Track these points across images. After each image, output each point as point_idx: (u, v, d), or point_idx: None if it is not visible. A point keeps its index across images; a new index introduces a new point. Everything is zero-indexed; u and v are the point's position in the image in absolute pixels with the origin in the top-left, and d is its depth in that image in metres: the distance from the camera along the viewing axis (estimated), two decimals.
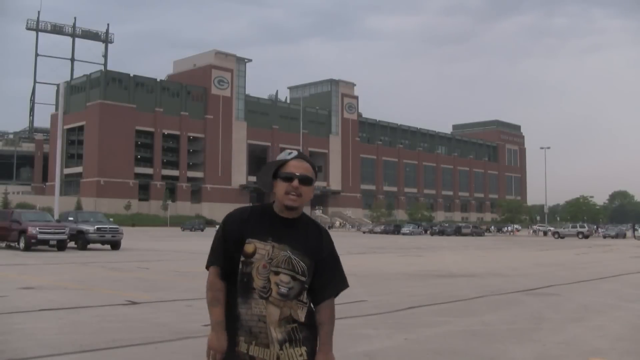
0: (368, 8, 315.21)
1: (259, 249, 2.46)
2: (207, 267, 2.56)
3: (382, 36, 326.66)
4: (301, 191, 2.49)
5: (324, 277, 2.56)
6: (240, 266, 2.46)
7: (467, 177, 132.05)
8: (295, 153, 2.57)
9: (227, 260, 2.49)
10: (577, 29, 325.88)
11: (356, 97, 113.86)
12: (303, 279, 2.48)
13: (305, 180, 2.50)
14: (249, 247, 2.46)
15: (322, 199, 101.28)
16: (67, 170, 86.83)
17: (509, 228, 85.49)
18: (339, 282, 2.63)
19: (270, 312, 2.43)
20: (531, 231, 76.61)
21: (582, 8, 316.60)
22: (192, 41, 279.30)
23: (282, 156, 2.57)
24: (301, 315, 2.48)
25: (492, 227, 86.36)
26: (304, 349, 2.47)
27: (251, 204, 2.60)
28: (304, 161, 2.55)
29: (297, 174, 2.49)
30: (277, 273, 2.45)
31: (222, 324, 2.46)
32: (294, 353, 2.44)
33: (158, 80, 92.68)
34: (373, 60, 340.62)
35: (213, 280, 2.51)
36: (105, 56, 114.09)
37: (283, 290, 2.45)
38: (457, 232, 68.98)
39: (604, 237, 63.03)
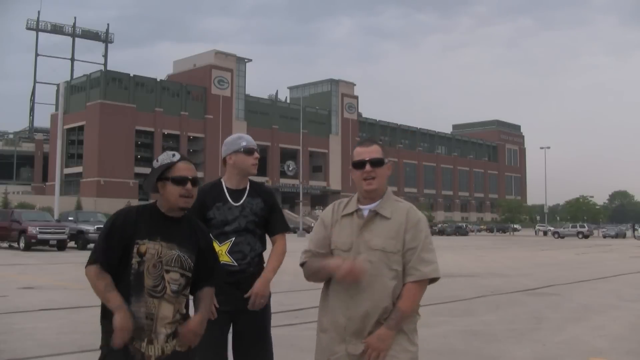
0: None
1: (149, 249, 2.55)
2: (89, 264, 2.55)
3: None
4: (193, 192, 2.63)
5: (206, 270, 2.72)
6: (134, 265, 2.53)
7: (467, 177, 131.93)
8: (178, 155, 2.69)
9: (110, 258, 2.53)
10: (576, 30, 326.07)
11: (356, 97, 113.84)
12: (189, 274, 2.63)
13: (196, 182, 2.66)
14: (141, 247, 2.53)
15: (322, 199, 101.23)
16: (67, 170, 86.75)
17: (513, 228, 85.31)
18: (218, 275, 2.85)
19: (164, 309, 2.54)
20: (541, 233, 75.31)
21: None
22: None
23: (165, 158, 2.66)
24: (184, 306, 2.65)
25: (494, 227, 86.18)
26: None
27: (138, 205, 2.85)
28: (190, 162, 2.69)
29: (190, 176, 2.62)
30: (168, 271, 2.56)
31: (125, 304, 2.49)
32: (176, 344, 2.59)
33: (158, 80, 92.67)
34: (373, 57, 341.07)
35: (99, 272, 2.52)
36: (105, 56, 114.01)
37: (174, 287, 2.58)
38: (441, 232, 71.13)
39: (604, 237, 63.01)
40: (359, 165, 2.65)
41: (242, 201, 3.33)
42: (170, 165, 2.62)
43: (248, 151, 3.37)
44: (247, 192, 3.37)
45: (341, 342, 2.59)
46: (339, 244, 2.67)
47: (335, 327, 2.62)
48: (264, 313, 3.37)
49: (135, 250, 2.54)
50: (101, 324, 2.60)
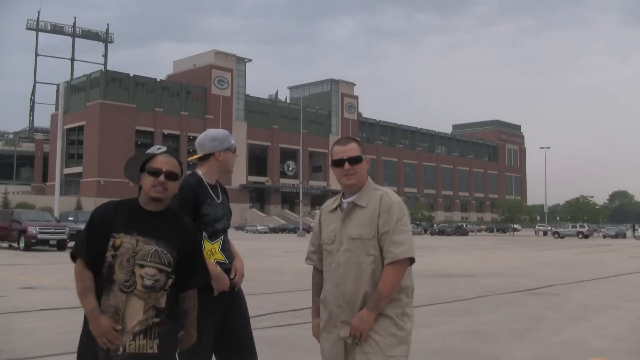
0: None
1: (124, 243, 2.54)
2: (73, 258, 2.61)
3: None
4: (167, 186, 2.63)
5: (188, 269, 2.68)
6: (107, 259, 2.54)
7: (467, 177, 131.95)
8: (164, 149, 2.71)
9: (91, 252, 2.56)
10: (576, 30, 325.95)
11: (356, 97, 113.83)
12: (169, 270, 2.59)
13: (171, 176, 2.65)
14: (116, 241, 2.53)
15: (322, 199, 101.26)
16: (67, 170, 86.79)
17: (513, 228, 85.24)
18: (203, 275, 2.78)
19: (133, 304, 2.51)
20: (541, 233, 75.12)
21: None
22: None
23: (151, 150, 2.71)
24: (162, 302, 2.58)
25: (494, 228, 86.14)
26: (156, 341, 2.55)
27: (119, 199, 2.86)
28: (171, 157, 2.70)
29: (164, 169, 2.63)
30: (142, 266, 2.53)
31: (97, 310, 2.54)
32: (145, 345, 2.53)
33: (158, 80, 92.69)
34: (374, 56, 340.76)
35: (81, 271, 2.57)
36: (105, 56, 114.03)
37: (148, 282, 2.54)
38: (441, 232, 71.23)
39: (604, 237, 62.99)
40: (338, 163, 2.85)
41: (221, 198, 3.32)
42: (151, 157, 2.68)
43: (235, 150, 3.41)
44: (219, 189, 3.37)
45: (333, 328, 2.78)
46: (324, 238, 2.88)
47: (330, 315, 2.80)
48: (246, 307, 3.37)
49: (110, 243, 2.54)
50: (84, 320, 2.64)
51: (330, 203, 2.98)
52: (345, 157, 2.83)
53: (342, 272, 2.75)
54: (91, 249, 2.56)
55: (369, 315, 2.65)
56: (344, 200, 2.88)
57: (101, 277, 2.54)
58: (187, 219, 2.84)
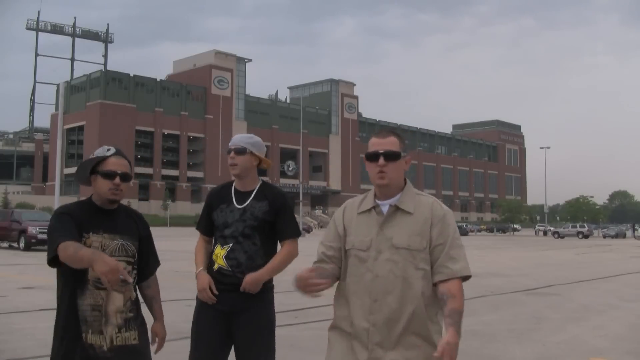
0: None
1: (94, 242, 2.63)
2: (51, 258, 2.52)
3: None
4: (122, 187, 2.69)
5: (145, 256, 2.84)
6: None
7: (467, 177, 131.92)
8: (113, 150, 2.73)
9: (74, 237, 2.53)
10: (577, 30, 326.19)
11: (356, 97, 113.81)
12: (133, 260, 2.74)
13: (125, 177, 2.70)
14: (87, 242, 2.60)
15: (322, 199, 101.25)
16: (67, 170, 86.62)
17: (513, 228, 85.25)
18: (155, 261, 2.95)
19: (114, 299, 2.62)
20: (541, 233, 74.96)
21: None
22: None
23: (100, 152, 2.72)
24: (134, 294, 2.75)
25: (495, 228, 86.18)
26: (135, 332, 2.69)
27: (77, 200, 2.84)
28: (123, 158, 2.73)
29: (119, 171, 2.68)
30: None
31: (98, 250, 2.57)
32: (129, 336, 2.66)
33: (158, 80, 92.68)
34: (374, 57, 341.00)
35: (64, 246, 2.44)
36: (105, 56, 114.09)
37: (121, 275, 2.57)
38: None
39: (604, 237, 62.99)
40: (372, 157, 2.43)
41: (245, 204, 3.18)
42: (102, 159, 2.70)
43: (228, 153, 3.25)
44: (253, 194, 3.21)
45: (363, 349, 2.34)
46: (357, 243, 2.41)
47: (357, 333, 2.37)
48: (263, 314, 3.20)
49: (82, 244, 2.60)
50: (55, 337, 2.71)
51: (357, 202, 2.51)
52: (380, 151, 2.40)
53: (382, 286, 2.33)
54: (72, 235, 2.56)
55: (456, 337, 2.34)
56: (380, 202, 2.44)
57: (76, 277, 2.59)
58: (137, 210, 2.99)
